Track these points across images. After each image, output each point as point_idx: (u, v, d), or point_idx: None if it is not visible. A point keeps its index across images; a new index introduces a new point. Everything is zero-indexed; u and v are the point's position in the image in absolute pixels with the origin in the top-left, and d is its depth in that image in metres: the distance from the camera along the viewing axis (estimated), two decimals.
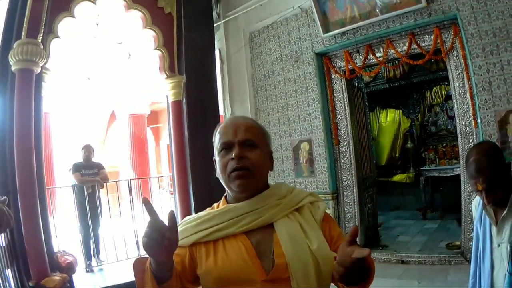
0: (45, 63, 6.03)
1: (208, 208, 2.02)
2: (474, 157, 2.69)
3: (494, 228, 2.81)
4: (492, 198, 2.64)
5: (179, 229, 1.81)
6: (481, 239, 2.93)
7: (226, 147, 1.86)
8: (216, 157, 1.91)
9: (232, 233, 1.81)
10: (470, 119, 6.72)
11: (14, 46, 5.70)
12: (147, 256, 1.63)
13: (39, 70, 5.95)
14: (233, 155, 1.80)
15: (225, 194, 2.01)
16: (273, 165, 2.02)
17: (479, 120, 6.48)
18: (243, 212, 1.83)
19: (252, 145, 1.86)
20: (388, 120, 13.25)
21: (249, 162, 1.81)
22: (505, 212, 2.71)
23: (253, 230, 1.82)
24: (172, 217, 1.55)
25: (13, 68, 5.79)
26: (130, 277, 1.48)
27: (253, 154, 1.84)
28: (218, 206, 1.99)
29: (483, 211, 2.89)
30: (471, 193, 6.74)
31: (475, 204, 3.10)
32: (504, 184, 2.67)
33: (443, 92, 12.20)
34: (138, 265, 1.69)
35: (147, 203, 1.54)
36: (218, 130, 1.95)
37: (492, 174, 2.60)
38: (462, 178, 7.05)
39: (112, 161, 15.19)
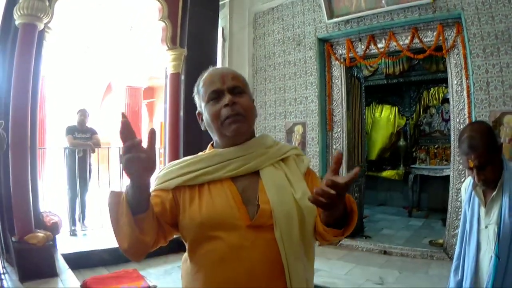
0: (48, 21, 6.06)
1: (191, 156, 1.99)
2: (468, 134, 2.72)
3: (482, 209, 2.83)
4: (482, 176, 2.67)
5: (163, 172, 1.92)
6: (468, 220, 2.94)
7: (215, 96, 1.85)
8: (204, 108, 1.90)
9: (218, 177, 1.81)
10: (465, 117, 6.77)
11: (20, 0, 5.70)
12: (121, 191, 1.64)
13: (42, 26, 5.98)
14: (226, 101, 1.80)
15: (211, 143, 2.01)
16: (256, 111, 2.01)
17: (473, 119, 6.52)
18: (231, 157, 1.84)
19: (240, 91, 1.88)
20: (383, 116, 13.25)
21: (241, 107, 1.83)
22: (494, 193, 2.73)
23: (239, 176, 1.83)
24: (152, 135, 1.54)
25: (17, 22, 5.83)
26: (113, 243, 1.45)
27: (243, 99, 1.86)
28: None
29: (473, 192, 2.91)
30: (458, 191, 6.77)
31: (465, 186, 3.10)
32: (495, 164, 2.70)
33: (440, 95, 12.17)
34: (113, 197, 1.64)
35: (124, 119, 1.51)
36: (202, 82, 1.94)
37: (484, 151, 2.63)
38: (451, 175, 7.09)
39: (104, 134, 15.16)
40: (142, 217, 1.62)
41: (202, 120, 1.96)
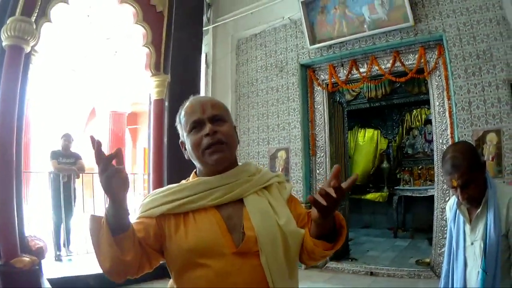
0: (35, 44, 6.07)
1: (176, 184, 1.99)
2: (451, 154, 2.75)
3: (467, 227, 2.87)
4: (466, 195, 2.70)
5: (147, 199, 1.91)
6: (454, 238, 2.98)
7: (196, 125, 1.86)
8: (186, 138, 1.91)
9: (203, 206, 1.82)
10: (448, 137, 6.87)
11: (8, 22, 5.73)
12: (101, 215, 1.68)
13: (29, 49, 5.98)
14: (206, 131, 1.81)
15: (194, 170, 2.01)
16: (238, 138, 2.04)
17: (456, 139, 6.59)
18: (215, 185, 1.84)
19: (221, 119, 1.89)
20: (366, 139, 13.35)
21: (223, 135, 1.84)
22: (479, 210, 2.77)
23: (223, 204, 1.83)
24: (119, 154, 1.61)
25: (3, 44, 5.82)
26: (99, 269, 1.45)
27: (224, 127, 1.87)
28: (187, 181, 1.98)
29: (457, 210, 2.94)
30: (443, 210, 6.82)
31: (450, 205, 3.14)
32: (479, 182, 2.73)
33: (422, 116, 12.29)
34: (93, 221, 1.67)
35: (93, 140, 1.57)
36: (183, 112, 1.95)
37: (467, 170, 2.65)
38: (436, 195, 7.14)
39: (88, 159, 15.06)
40: (122, 236, 1.65)
41: (185, 149, 1.96)
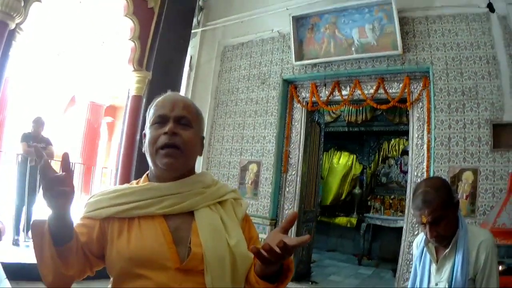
0: (21, 22, 5.96)
1: (126, 184, 1.90)
2: (423, 188, 2.65)
3: (433, 266, 2.78)
4: (435, 232, 2.60)
5: (93, 199, 1.79)
6: (418, 277, 2.88)
7: (160, 121, 1.77)
8: (147, 130, 1.82)
9: (150, 213, 1.70)
10: (423, 171, 6.81)
11: None
12: (45, 219, 1.56)
13: (13, 26, 5.89)
14: (166, 129, 1.72)
15: (147, 172, 1.90)
16: (203, 150, 1.93)
17: (432, 173, 6.55)
18: (166, 193, 1.73)
19: (187, 124, 1.79)
20: (341, 163, 13.31)
21: (181, 141, 1.73)
22: (447, 250, 2.68)
23: (172, 214, 1.72)
24: (65, 159, 1.52)
25: None
26: None
27: (187, 133, 1.77)
28: (138, 183, 1.87)
29: (424, 249, 2.85)
30: (411, 243, 6.76)
31: (417, 241, 3.04)
32: (450, 220, 2.64)
33: (400, 146, 12.30)
34: (36, 227, 1.56)
35: (36, 150, 1.51)
36: (154, 104, 1.86)
37: (438, 207, 2.56)
38: (404, 227, 7.06)
39: (60, 147, 14.90)
40: (66, 247, 1.56)
41: (145, 141, 1.85)
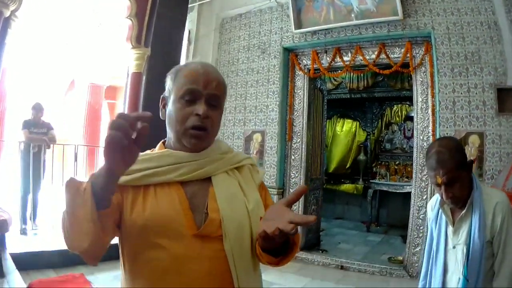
0: (16, 9, 5.90)
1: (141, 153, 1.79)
2: (436, 149, 2.62)
3: (450, 229, 2.76)
4: (451, 194, 2.57)
5: None
6: (435, 240, 2.87)
7: (191, 97, 1.68)
8: (173, 103, 1.72)
9: (168, 180, 1.66)
10: (429, 134, 6.81)
11: None
12: (80, 180, 1.42)
13: (8, 13, 5.83)
14: (200, 111, 1.64)
15: (162, 140, 1.85)
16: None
17: (437, 137, 6.50)
18: (183, 160, 1.69)
19: (216, 104, 1.72)
20: (344, 130, 13.27)
21: (210, 124, 1.69)
22: (463, 211, 2.65)
23: (189, 181, 1.69)
24: (144, 132, 1.26)
25: None
26: (63, 245, 1.24)
27: (215, 114, 1.72)
28: (152, 151, 1.81)
29: (440, 211, 2.82)
30: (420, 208, 6.80)
31: (432, 204, 3.01)
32: (464, 181, 2.61)
33: (403, 112, 12.26)
34: (73, 186, 1.39)
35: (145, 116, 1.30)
36: (184, 71, 1.73)
37: (453, 167, 2.53)
38: (413, 192, 7.05)
39: (62, 131, 14.88)
40: (106, 212, 1.43)
41: (164, 107, 1.80)
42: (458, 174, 2.55)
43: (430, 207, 3.05)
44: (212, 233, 1.60)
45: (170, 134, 1.77)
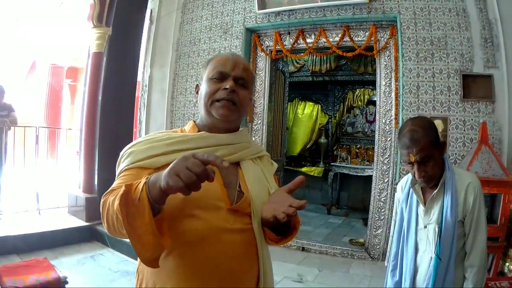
0: None
1: (166, 132, 1.97)
2: (410, 127, 2.66)
3: (421, 209, 2.82)
4: (424, 173, 2.64)
5: (143, 146, 1.82)
6: (406, 220, 2.90)
7: (220, 77, 1.88)
8: (204, 83, 1.93)
9: None
10: (391, 118, 6.86)
11: None
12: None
13: None
14: (227, 86, 1.84)
15: (193, 120, 2.03)
16: (251, 112, 2.03)
17: (400, 121, 6.63)
18: (220, 143, 1.87)
19: (244, 85, 1.92)
20: (306, 113, 13.27)
21: (238, 98, 1.86)
22: (435, 191, 2.71)
23: None
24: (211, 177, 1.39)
25: None
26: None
27: (243, 92, 1.90)
28: (182, 131, 1.99)
29: (410, 191, 2.88)
30: (381, 191, 6.87)
31: (402, 185, 3.08)
32: (437, 161, 2.67)
33: (365, 96, 12.29)
34: (127, 195, 1.44)
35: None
36: (215, 58, 1.97)
37: (426, 146, 2.59)
38: (374, 175, 7.11)
39: (23, 114, 14.68)
40: (160, 217, 1.53)
41: (197, 92, 2.00)
42: (431, 152, 2.61)
43: (400, 187, 3.11)
44: (243, 209, 1.78)
45: (201, 111, 1.95)
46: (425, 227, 2.77)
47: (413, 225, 2.84)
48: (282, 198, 1.62)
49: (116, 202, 1.45)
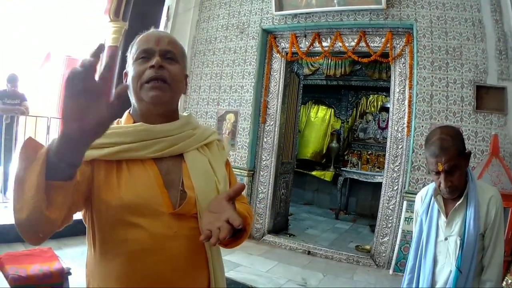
0: None
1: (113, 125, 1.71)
2: (439, 136, 2.61)
3: (442, 220, 2.75)
4: (450, 183, 2.57)
5: None
6: (425, 232, 2.84)
7: (145, 55, 1.67)
8: (130, 67, 1.70)
9: (141, 157, 1.61)
10: (404, 126, 6.82)
11: None
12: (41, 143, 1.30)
13: None
14: (152, 62, 1.62)
15: (128, 110, 1.79)
16: (187, 89, 1.85)
17: (412, 129, 6.58)
18: (158, 135, 1.65)
19: (173, 58, 1.71)
20: (318, 117, 13.24)
21: (168, 74, 1.65)
22: (459, 202, 2.65)
23: (162, 157, 1.66)
24: (123, 89, 1.18)
25: None
26: None
27: (173, 67, 1.69)
28: (118, 123, 1.73)
29: (431, 201, 2.82)
30: (390, 198, 6.85)
31: (422, 195, 3.00)
32: (463, 171, 2.63)
33: (379, 102, 12.24)
34: (29, 146, 1.28)
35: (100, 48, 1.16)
36: (137, 40, 1.77)
37: (454, 155, 2.54)
38: (384, 182, 7.10)
39: (36, 104, 14.70)
40: (59, 185, 1.24)
41: (126, 80, 1.74)
42: (458, 162, 2.56)
43: (420, 198, 3.03)
44: (188, 211, 1.60)
45: (132, 100, 1.72)
46: (446, 239, 2.71)
47: (433, 237, 2.77)
48: (220, 208, 1.49)
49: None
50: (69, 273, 4.44)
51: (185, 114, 1.85)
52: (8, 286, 3.06)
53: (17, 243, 6.11)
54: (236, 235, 1.64)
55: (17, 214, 1.22)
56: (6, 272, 3.96)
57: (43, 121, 9.12)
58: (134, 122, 1.71)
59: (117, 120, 1.74)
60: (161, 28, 8.88)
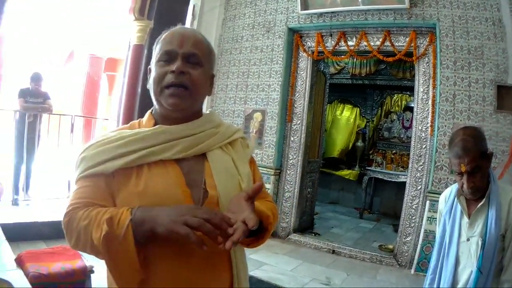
0: None
1: (121, 126, 1.79)
2: (462, 137, 2.63)
3: (465, 221, 2.76)
4: (472, 184, 2.60)
5: (92, 151, 1.60)
6: (448, 232, 2.85)
7: (168, 58, 1.64)
8: (153, 67, 1.68)
9: (164, 158, 1.59)
10: (428, 125, 6.81)
11: None
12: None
13: None
14: (173, 68, 1.59)
15: (150, 110, 1.79)
16: (212, 90, 1.82)
17: (436, 129, 6.57)
18: (179, 136, 1.64)
19: (197, 62, 1.66)
20: (344, 115, 13.24)
21: (189, 80, 1.62)
22: (481, 203, 2.66)
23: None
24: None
25: None
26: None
27: (196, 72, 1.65)
28: (140, 124, 1.77)
29: (455, 202, 2.83)
30: (414, 198, 6.84)
31: (445, 196, 3.01)
32: (485, 172, 2.64)
33: (403, 102, 12.22)
34: (109, 233, 1.36)
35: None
36: (161, 38, 1.73)
37: (478, 156, 2.56)
38: (408, 182, 7.08)
39: (59, 102, 14.76)
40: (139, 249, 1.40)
41: (150, 76, 1.71)
42: (481, 163, 2.58)
43: (443, 198, 3.04)
44: None
45: (154, 101, 1.71)
46: (468, 240, 2.71)
47: (456, 238, 2.77)
48: (239, 208, 1.46)
49: (95, 235, 1.38)
50: (92, 271, 4.44)
51: (208, 112, 1.83)
52: (29, 285, 3.07)
53: (38, 241, 6.18)
54: (257, 235, 1.63)
55: (118, 281, 1.46)
56: (26, 270, 3.96)
57: (67, 119, 9.17)
58: (155, 123, 1.71)
59: (138, 120, 1.79)
60: (187, 26, 8.90)
